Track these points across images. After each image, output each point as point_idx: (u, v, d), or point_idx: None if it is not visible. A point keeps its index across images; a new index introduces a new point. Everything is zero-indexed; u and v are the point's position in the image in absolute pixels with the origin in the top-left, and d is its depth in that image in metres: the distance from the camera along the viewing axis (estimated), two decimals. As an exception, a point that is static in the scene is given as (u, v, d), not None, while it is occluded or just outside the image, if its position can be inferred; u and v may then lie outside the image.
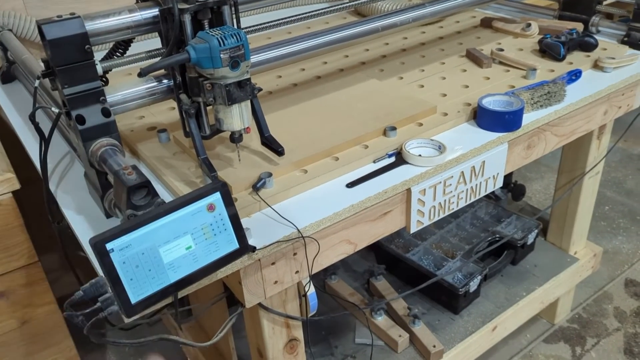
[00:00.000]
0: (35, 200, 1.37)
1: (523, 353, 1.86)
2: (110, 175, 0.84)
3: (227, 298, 1.18)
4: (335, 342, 1.53)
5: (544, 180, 2.76)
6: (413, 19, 1.24)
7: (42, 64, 0.87)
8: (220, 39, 0.84)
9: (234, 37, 0.85)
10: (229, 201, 0.75)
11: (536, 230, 1.76)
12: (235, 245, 0.76)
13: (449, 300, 1.59)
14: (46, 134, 0.95)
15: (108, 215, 0.95)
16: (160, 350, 1.93)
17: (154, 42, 0.98)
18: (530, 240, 1.75)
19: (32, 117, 0.89)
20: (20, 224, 1.25)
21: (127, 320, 0.72)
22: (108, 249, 0.65)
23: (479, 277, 1.59)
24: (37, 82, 0.89)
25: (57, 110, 0.89)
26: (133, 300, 0.67)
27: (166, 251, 0.69)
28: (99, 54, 0.92)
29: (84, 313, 0.68)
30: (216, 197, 0.73)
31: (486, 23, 1.68)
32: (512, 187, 2.05)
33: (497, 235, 1.74)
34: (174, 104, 1.16)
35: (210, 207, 0.73)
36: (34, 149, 1.20)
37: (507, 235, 1.72)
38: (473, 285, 1.57)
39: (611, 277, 2.17)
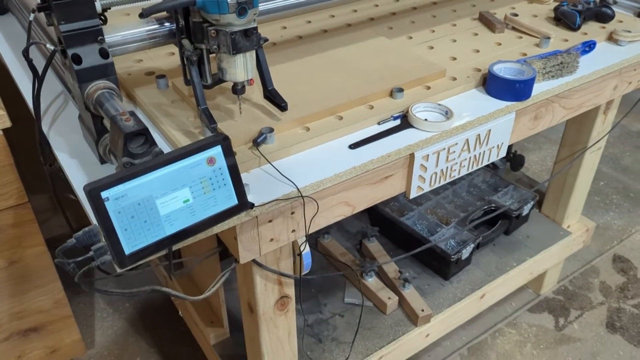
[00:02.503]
0: (25, 139, 1.34)
1: (507, 321, 1.89)
2: (107, 120, 0.81)
3: (219, 252, 1.17)
4: (324, 300, 1.54)
5: (542, 152, 2.74)
6: (429, -24, 1.18)
7: (38, -2, 0.83)
8: (228, -17, 0.79)
9: (243, -18, 0.80)
10: (230, 155, 0.72)
11: (532, 202, 1.76)
12: (234, 201, 0.74)
13: (440, 266, 1.60)
14: (40, 71, 0.90)
15: (102, 161, 0.92)
16: (149, 299, 1.94)
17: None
18: (525, 212, 1.75)
19: (25, 53, 0.85)
20: (10, 163, 1.22)
21: (119, 271, 0.70)
22: (103, 197, 0.62)
23: (472, 245, 1.59)
24: (31, 16, 0.84)
25: (52, 48, 0.84)
26: (127, 251, 0.66)
27: (163, 203, 0.67)
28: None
29: (76, 261, 0.66)
30: (217, 151, 0.70)
31: (501, -14, 1.62)
32: (512, 157, 2.03)
33: (493, 205, 1.73)
34: (174, 49, 1.11)
35: (210, 161, 0.70)
36: (26, 87, 1.15)
37: (503, 206, 1.71)
38: (465, 253, 1.58)
39: (600, 251, 2.19)
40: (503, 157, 2.02)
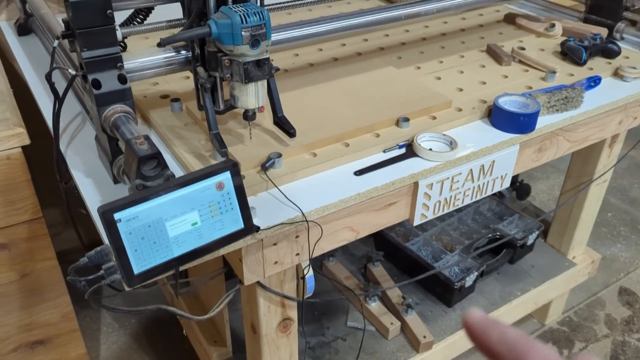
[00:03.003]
0: (41, 154, 1.38)
1: (510, 350, 1.88)
2: (122, 142, 0.84)
3: (225, 272, 1.20)
4: (327, 323, 1.55)
5: (549, 181, 2.75)
6: (437, 10, 1.22)
7: (62, 24, 0.87)
8: (242, 16, 0.83)
9: (257, 15, 0.84)
10: (238, 181, 0.75)
11: (537, 232, 1.77)
12: (240, 225, 0.77)
13: (444, 293, 1.60)
14: (60, 93, 0.95)
15: (116, 181, 0.95)
16: (154, 316, 1.96)
17: (169, 8, 0.96)
18: (530, 241, 1.76)
19: (48, 77, 0.89)
20: (27, 179, 1.25)
21: (127, 289, 0.73)
22: (116, 218, 0.65)
23: (476, 273, 1.60)
24: (56, 43, 0.89)
25: (73, 73, 0.89)
26: (136, 271, 0.68)
27: (172, 225, 0.70)
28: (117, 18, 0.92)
29: (87, 279, 0.69)
30: (226, 176, 0.73)
31: (510, 19, 1.66)
32: (518, 185, 2.05)
33: (498, 233, 1.74)
34: (189, 73, 1.16)
35: (219, 186, 0.73)
36: (46, 106, 1.20)
37: (508, 235, 1.72)
38: (469, 281, 1.58)
39: (606, 283, 2.18)
40: (509, 186, 2.04)
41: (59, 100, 0.94)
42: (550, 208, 2.49)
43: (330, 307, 1.60)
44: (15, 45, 1.50)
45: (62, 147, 1.06)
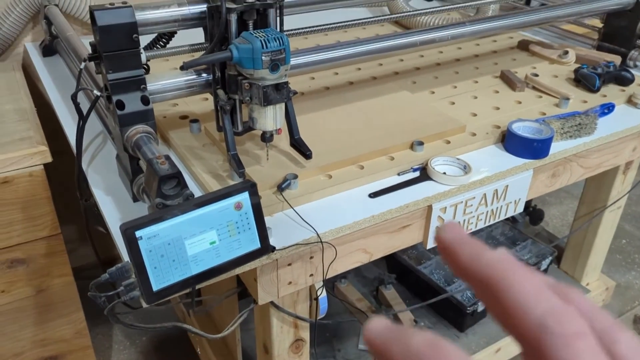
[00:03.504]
0: (60, 172, 1.41)
1: (523, 377, 1.85)
2: (143, 162, 0.87)
3: (238, 291, 1.21)
4: (338, 345, 1.55)
5: (563, 206, 2.74)
6: (452, 37, 1.25)
7: (86, 47, 0.90)
8: (263, 42, 0.85)
9: (277, 41, 0.86)
10: (256, 201, 0.77)
11: (551, 258, 1.76)
12: (257, 244, 0.78)
13: (456, 317, 1.60)
14: (83, 112, 0.98)
15: (135, 199, 0.98)
16: (165, 333, 1.96)
17: (189, 32, 1.00)
18: (543, 267, 1.75)
19: (74, 97, 0.92)
20: (47, 196, 1.28)
21: (145, 306, 0.74)
22: (137, 236, 0.67)
23: (488, 298, 1.59)
24: (82, 65, 0.92)
25: (98, 94, 0.91)
26: (155, 288, 0.70)
27: (191, 244, 0.71)
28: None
29: (107, 295, 0.70)
30: (244, 197, 0.75)
31: (523, 45, 1.68)
32: (531, 210, 2.04)
33: (511, 258, 1.73)
34: (208, 94, 1.18)
35: (238, 206, 0.75)
36: (68, 125, 1.23)
37: (521, 260, 1.71)
38: (481, 306, 1.58)
39: (620, 311, 2.15)
40: (522, 211, 2.04)
41: (83, 119, 0.97)
42: (564, 233, 2.48)
43: (342, 329, 1.60)
44: (40, 65, 1.54)
45: (83, 166, 1.08)
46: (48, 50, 1.58)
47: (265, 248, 0.79)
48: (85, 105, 0.97)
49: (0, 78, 1.53)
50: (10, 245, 1.30)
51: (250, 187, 0.75)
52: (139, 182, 0.94)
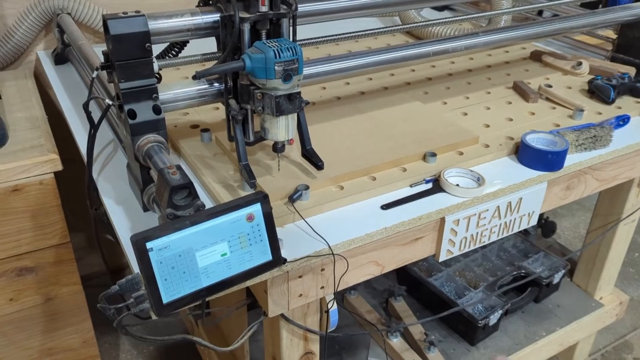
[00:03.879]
0: (71, 180, 1.41)
1: (535, 393, 1.82)
2: (154, 172, 0.86)
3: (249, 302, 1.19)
4: (348, 358, 1.53)
5: (575, 218, 2.71)
6: (465, 47, 1.24)
7: (99, 55, 0.90)
8: (276, 51, 0.85)
9: (290, 51, 0.86)
10: (268, 213, 0.76)
11: (563, 271, 1.73)
12: (268, 257, 0.77)
13: (467, 330, 1.57)
14: (95, 120, 0.97)
15: (145, 209, 0.97)
16: (172, 344, 1.95)
17: (201, 42, 0.99)
18: (556, 280, 1.72)
19: (85, 106, 0.92)
20: (57, 204, 1.28)
21: (154, 318, 0.73)
22: (148, 247, 0.66)
23: (500, 312, 1.57)
24: (95, 74, 0.92)
25: (109, 102, 0.91)
26: (165, 300, 0.69)
27: (202, 256, 0.70)
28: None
29: (116, 307, 0.69)
30: (256, 208, 0.74)
31: (536, 56, 1.67)
32: (543, 223, 2.02)
33: (523, 271, 1.71)
34: (219, 104, 1.18)
35: (250, 217, 0.74)
36: (79, 133, 1.23)
37: (533, 273, 1.69)
38: (493, 319, 1.55)
39: (634, 326, 2.11)
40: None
41: (94, 128, 0.97)
42: (576, 246, 2.45)
43: (352, 342, 1.58)
44: (51, 73, 1.55)
45: (94, 175, 1.08)
46: (60, 58, 1.58)
47: (277, 260, 0.78)
48: (96, 114, 0.96)
49: (12, 86, 1.54)
50: (19, 254, 1.29)
51: (263, 199, 0.74)
52: (150, 191, 0.93)
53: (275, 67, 0.85)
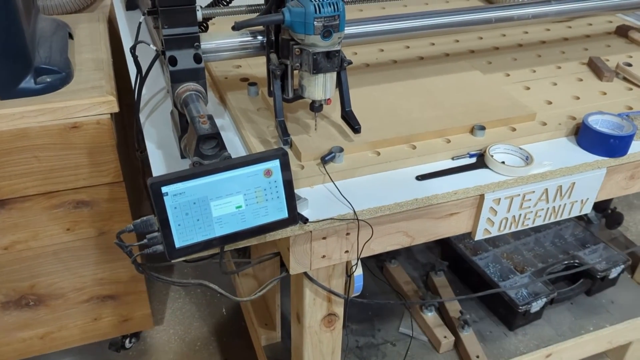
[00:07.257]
0: (130, 124, 1.47)
1: (576, 388, 1.75)
2: (189, 119, 0.87)
3: (280, 257, 1.21)
4: (379, 325, 1.53)
5: (652, 213, 2.51)
6: (533, 16, 1.14)
7: (149, 2, 0.91)
8: (317, 6, 0.82)
9: (332, 7, 0.83)
10: (287, 170, 0.75)
11: (623, 266, 1.62)
12: (284, 214, 0.77)
13: (507, 314, 1.52)
14: (144, 68, 1.00)
15: (182, 156, 0.99)
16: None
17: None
18: (613, 275, 1.62)
19: (132, 50, 0.94)
20: (113, 144, 1.34)
21: (172, 261, 0.76)
22: (163, 192, 0.68)
23: (544, 300, 1.50)
24: (142, 18, 0.93)
25: (154, 48, 0.93)
26: (177, 245, 0.71)
27: (217, 206, 0.71)
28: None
29: (132, 245, 0.72)
30: (275, 164, 0.73)
31: (622, 31, 1.52)
32: (609, 213, 1.88)
33: (577, 261, 1.62)
34: (271, 59, 1.17)
35: (267, 173, 0.73)
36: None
37: (588, 264, 1.59)
38: (535, 307, 1.49)
39: (700, 334, 1.95)
40: (599, 212, 1.88)
41: (141, 73, 0.99)
42: (647, 243, 2.27)
43: (385, 310, 1.57)
44: (122, 18, 1.60)
45: (142, 119, 1.11)
46: (131, 3, 1.63)
47: (293, 219, 0.78)
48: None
49: (85, 28, 1.61)
50: (77, 187, 1.38)
51: (282, 156, 0.73)
52: (186, 139, 0.95)
53: (315, 23, 0.83)
